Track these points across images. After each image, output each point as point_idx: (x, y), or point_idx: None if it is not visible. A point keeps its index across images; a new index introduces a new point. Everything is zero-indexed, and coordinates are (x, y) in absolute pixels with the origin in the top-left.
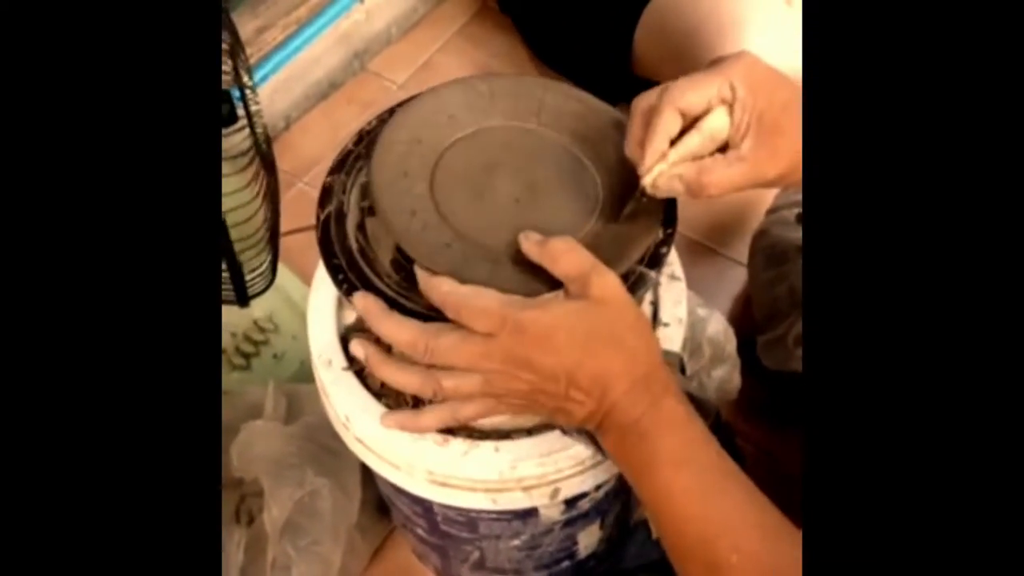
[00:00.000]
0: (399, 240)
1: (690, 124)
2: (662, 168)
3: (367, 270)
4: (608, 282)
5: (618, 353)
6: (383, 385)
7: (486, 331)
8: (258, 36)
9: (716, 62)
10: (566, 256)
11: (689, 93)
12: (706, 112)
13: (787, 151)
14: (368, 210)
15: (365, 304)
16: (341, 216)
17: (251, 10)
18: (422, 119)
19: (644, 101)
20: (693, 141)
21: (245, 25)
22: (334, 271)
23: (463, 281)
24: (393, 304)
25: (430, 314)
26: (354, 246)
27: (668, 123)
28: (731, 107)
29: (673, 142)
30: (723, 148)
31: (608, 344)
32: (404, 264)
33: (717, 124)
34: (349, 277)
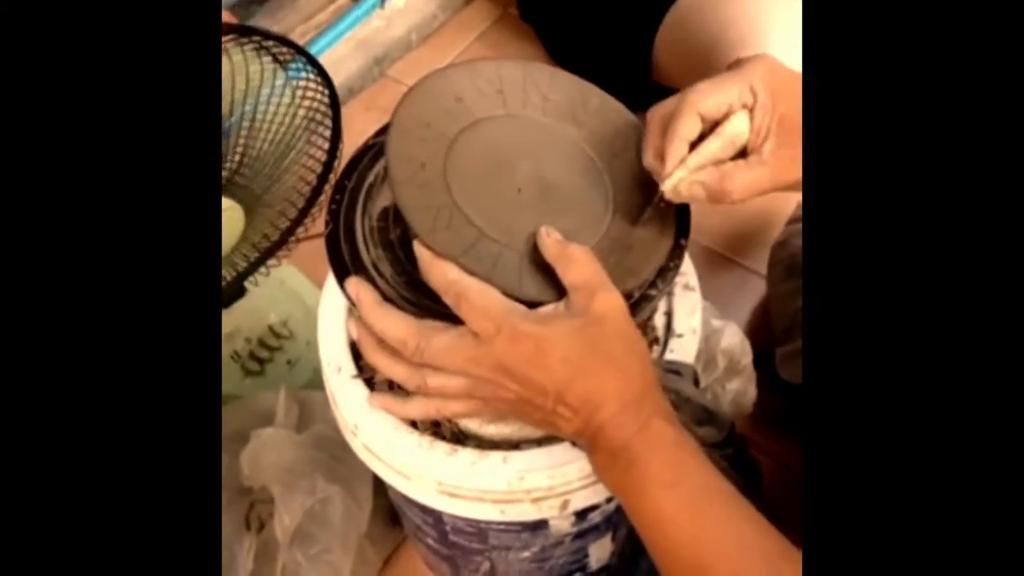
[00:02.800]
0: (427, 240)
1: (709, 129)
2: (682, 175)
3: (359, 207)
4: (612, 300)
5: (611, 373)
6: (390, 390)
7: (481, 332)
8: None
9: (736, 65)
10: (580, 265)
11: (709, 97)
12: (726, 116)
13: None
14: None
15: (358, 292)
16: (375, 159)
17: (270, 15)
18: (432, 104)
19: (661, 109)
20: (713, 146)
21: None
22: (332, 200)
23: (493, 284)
24: (351, 246)
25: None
26: (366, 185)
27: (688, 127)
28: (751, 111)
29: (693, 147)
30: (743, 152)
31: (602, 364)
32: (389, 212)
33: (737, 129)
34: (340, 209)
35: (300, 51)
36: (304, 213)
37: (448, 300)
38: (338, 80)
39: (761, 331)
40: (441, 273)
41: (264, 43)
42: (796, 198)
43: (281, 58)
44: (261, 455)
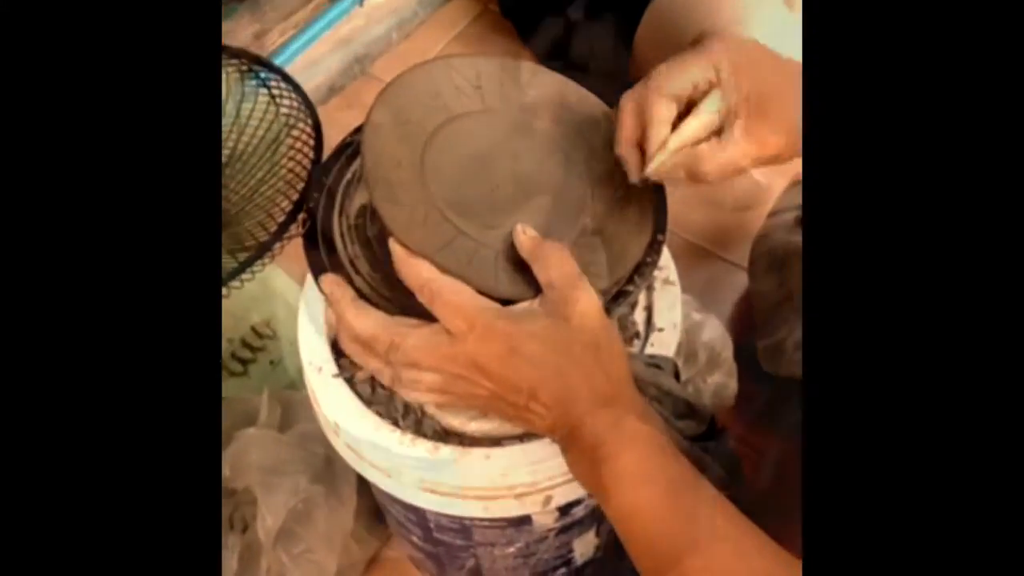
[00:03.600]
0: (402, 238)
1: (683, 108)
2: (663, 158)
3: (337, 205)
4: (586, 298)
5: (584, 372)
6: (373, 392)
7: (454, 330)
8: (257, 40)
9: (698, 41)
10: (556, 263)
11: (674, 79)
12: (694, 94)
13: (782, 126)
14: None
15: (332, 290)
16: (352, 157)
17: (250, 13)
18: (409, 99)
19: (631, 97)
20: (691, 127)
21: (244, 29)
22: (310, 198)
23: (468, 282)
24: (328, 244)
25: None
26: (343, 182)
27: (664, 111)
28: (719, 90)
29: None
30: (720, 130)
31: (575, 362)
32: (366, 210)
33: (714, 107)
34: (317, 207)
35: (265, 64)
36: (286, 224)
37: (422, 298)
38: (319, 78)
39: (743, 324)
40: (416, 271)
41: (230, 61)
42: (777, 191)
43: (245, 70)
44: (244, 456)
